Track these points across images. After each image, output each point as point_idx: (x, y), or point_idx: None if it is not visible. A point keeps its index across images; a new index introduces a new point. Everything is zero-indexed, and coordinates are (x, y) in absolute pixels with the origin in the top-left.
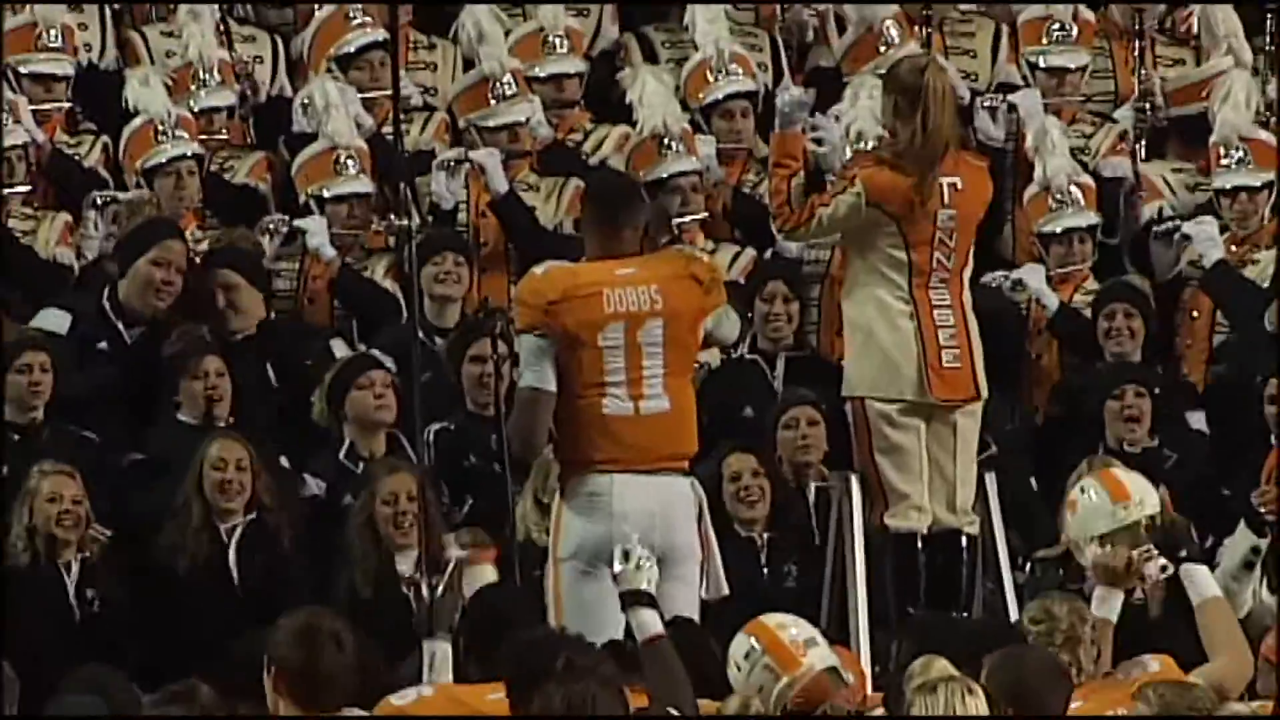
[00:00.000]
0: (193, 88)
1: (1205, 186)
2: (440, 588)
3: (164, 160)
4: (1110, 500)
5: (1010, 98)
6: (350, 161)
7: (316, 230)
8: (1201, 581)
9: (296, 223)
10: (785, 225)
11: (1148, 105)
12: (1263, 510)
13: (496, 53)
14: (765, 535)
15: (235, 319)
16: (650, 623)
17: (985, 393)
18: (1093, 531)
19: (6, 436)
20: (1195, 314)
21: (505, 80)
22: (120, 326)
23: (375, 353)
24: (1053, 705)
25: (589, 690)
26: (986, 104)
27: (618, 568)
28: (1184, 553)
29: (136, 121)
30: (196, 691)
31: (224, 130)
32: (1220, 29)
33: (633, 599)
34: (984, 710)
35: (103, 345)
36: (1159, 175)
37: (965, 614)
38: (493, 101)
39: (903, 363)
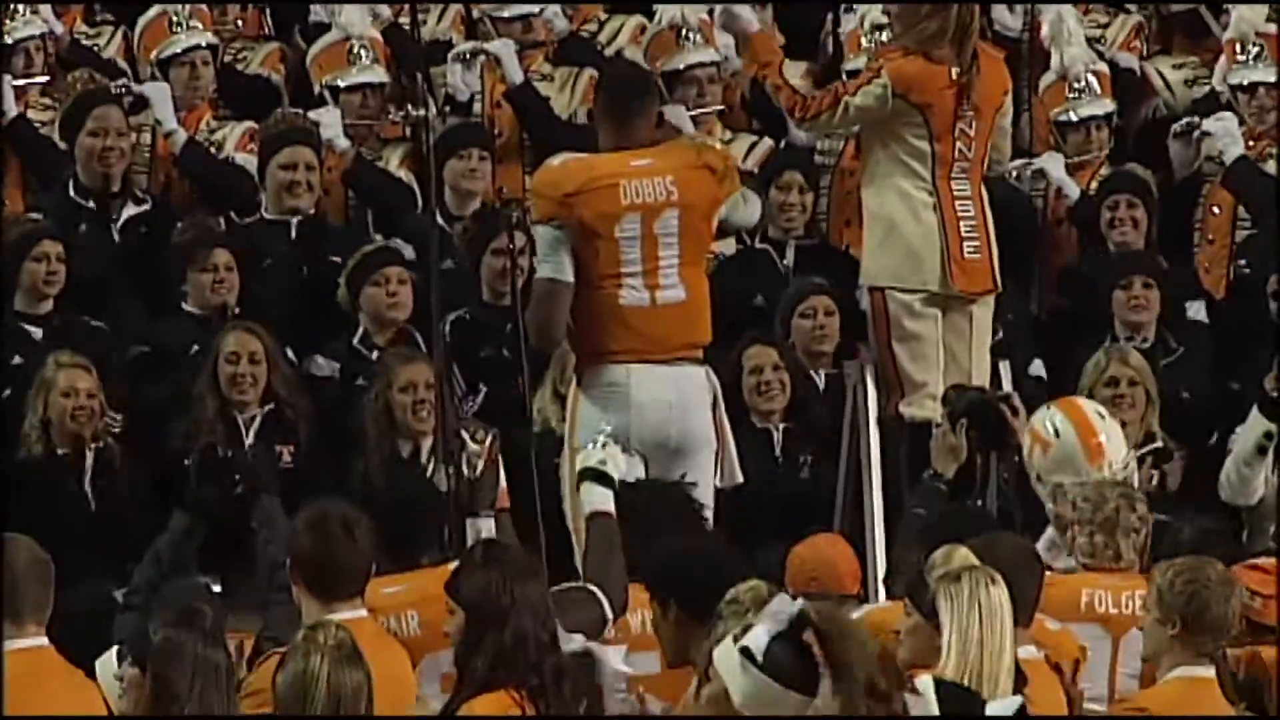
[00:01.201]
0: None
1: (1205, 81)
2: (480, 466)
3: (178, 50)
4: (1085, 459)
5: None
6: (364, 52)
7: (330, 122)
8: None
9: (311, 114)
10: (805, 114)
11: None
12: (1277, 395)
13: None
14: (782, 426)
15: (304, 196)
16: (600, 499)
17: (1001, 284)
18: (1058, 479)
19: (19, 327)
20: (1216, 210)
21: None
22: (91, 205)
23: (396, 243)
24: (1023, 589)
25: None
26: None
27: (587, 449)
28: None
29: (151, 12)
30: (201, 615)
31: (239, 21)
32: None
33: (588, 474)
34: (1006, 600)
35: (83, 229)
36: (1156, 70)
37: (980, 501)
38: None
39: (926, 254)
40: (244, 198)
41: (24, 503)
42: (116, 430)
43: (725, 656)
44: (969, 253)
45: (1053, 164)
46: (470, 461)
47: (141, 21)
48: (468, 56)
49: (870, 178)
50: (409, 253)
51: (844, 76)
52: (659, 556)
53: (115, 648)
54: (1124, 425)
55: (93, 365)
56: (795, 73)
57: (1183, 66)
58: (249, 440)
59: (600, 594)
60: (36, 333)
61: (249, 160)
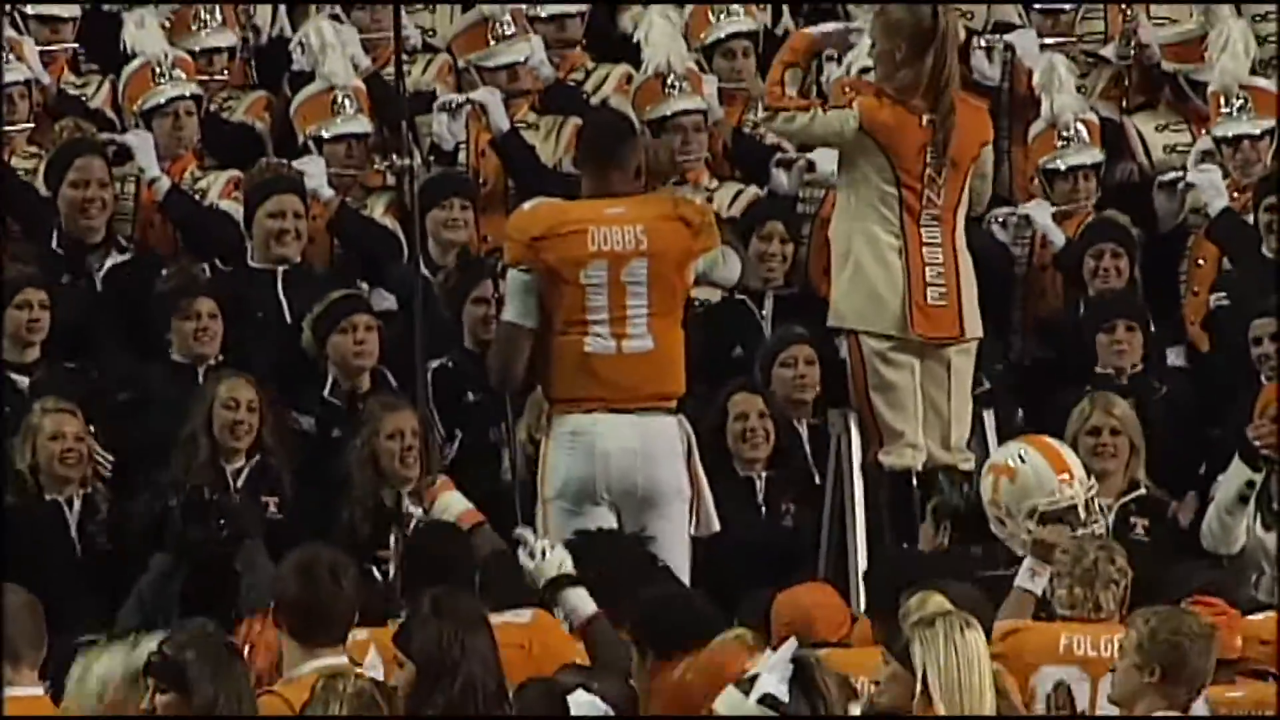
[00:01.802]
0: (193, 28)
1: (1185, 149)
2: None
3: (162, 101)
4: (1054, 474)
5: (1007, 37)
6: (348, 101)
7: (314, 171)
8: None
9: (296, 164)
10: (774, 104)
11: (1131, 46)
12: (1258, 444)
13: None
14: (764, 475)
15: (292, 245)
16: (581, 605)
17: (975, 332)
18: (1031, 504)
19: (5, 375)
20: (1201, 262)
21: (504, 20)
22: (74, 254)
23: (362, 292)
24: None
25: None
26: (983, 43)
27: (525, 563)
28: None
29: (135, 63)
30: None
31: (224, 71)
32: None
33: (554, 586)
34: (983, 644)
35: (65, 279)
36: (1136, 129)
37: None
38: (492, 41)
39: (888, 297)
40: (229, 245)
41: (12, 549)
42: (108, 474)
43: (735, 704)
44: (933, 299)
45: (1039, 212)
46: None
47: (125, 72)
48: (454, 106)
49: (840, 219)
50: (392, 301)
51: None
52: (639, 604)
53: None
54: (1107, 474)
55: (79, 410)
56: None
57: (1165, 128)
58: (236, 489)
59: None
60: (22, 381)
61: (234, 208)
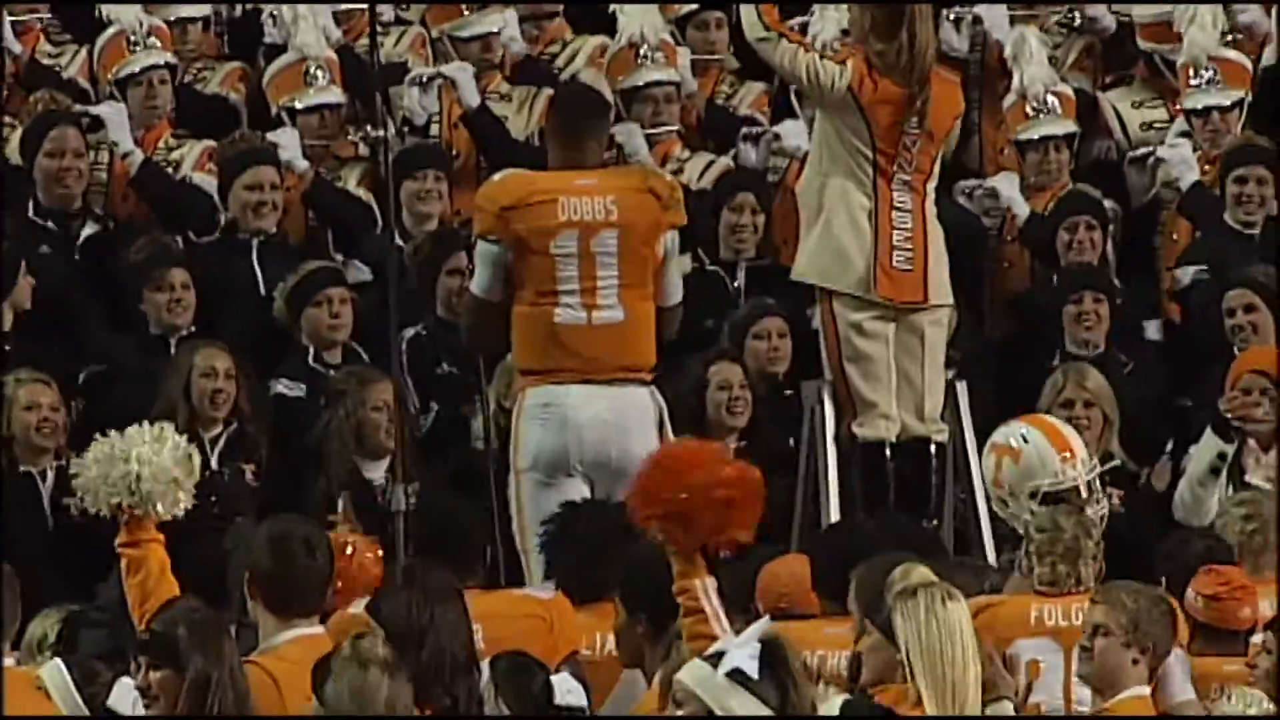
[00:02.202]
0: None
1: (1163, 125)
2: None
3: (136, 70)
4: (1056, 454)
5: (976, 9)
6: (320, 73)
7: (288, 143)
8: None
9: (270, 136)
10: (774, 25)
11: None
12: (1229, 416)
13: None
14: (735, 445)
15: (269, 216)
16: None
17: (943, 299)
18: (1034, 485)
19: None
20: (1175, 236)
21: None
22: (51, 225)
23: (337, 264)
24: None
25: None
26: (952, 16)
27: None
28: None
29: (109, 31)
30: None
31: (200, 42)
32: None
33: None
34: (966, 616)
35: (44, 250)
36: (1113, 106)
37: (935, 522)
38: (465, 12)
39: (855, 257)
40: (202, 218)
41: None
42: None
43: (704, 678)
44: (898, 262)
45: (1005, 184)
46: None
47: (100, 41)
48: (424, 80)
49: (811, 175)
50: (366, 273)
51: None
52: (633, 569)
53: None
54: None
55: (53, 381)
56: (752, 93)
57: (1142, 105)
58: (213, 458)
59: None
60: None
61: (206, 180)
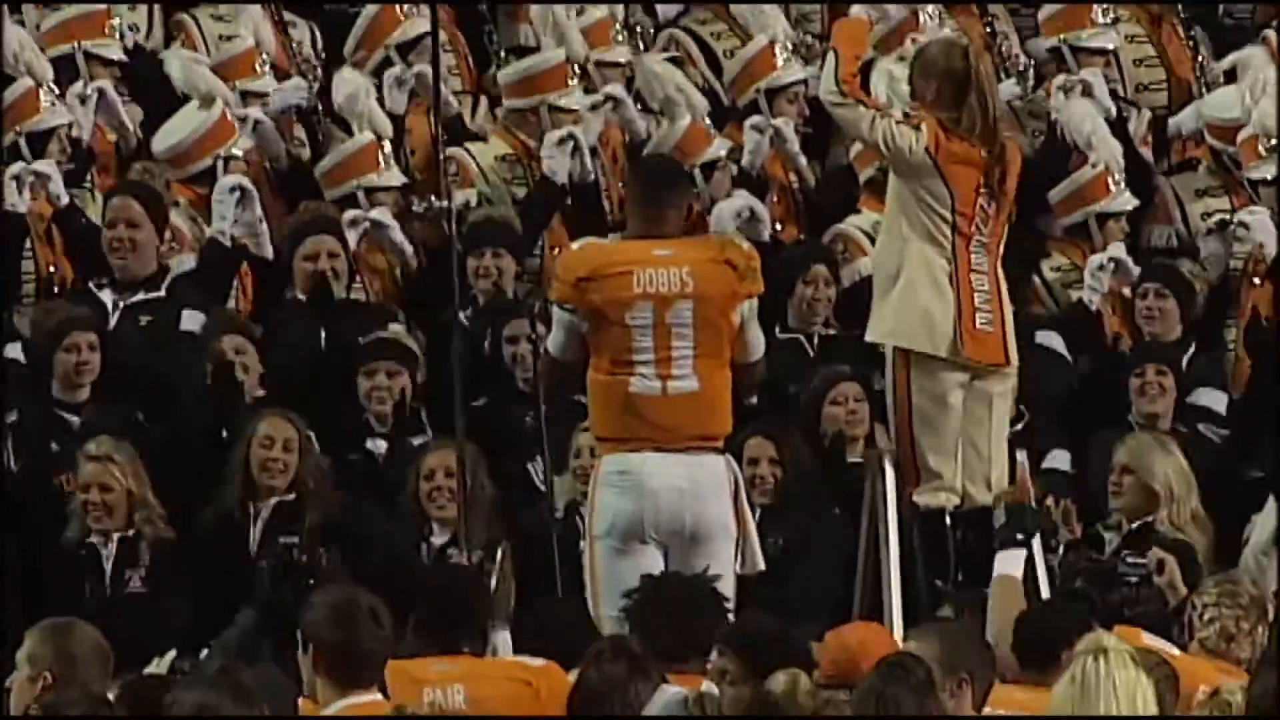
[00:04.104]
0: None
1: (1223, 215)
2: (494, 579)
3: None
4: None
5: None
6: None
7: (52, 172)
8: (1006, 562)
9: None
10: (848, 90)
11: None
12: None
13: None
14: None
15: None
16: None
17: (1016, 360)
18: None
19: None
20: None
21: None
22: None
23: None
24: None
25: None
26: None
27: None
28: (1020, 535)
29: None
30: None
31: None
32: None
33: None
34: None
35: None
36: (1173, 193)
37: None
38: None
39: (940, 319)
40: None
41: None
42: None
43: None
44: (981, 324)
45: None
46: (486, 574)
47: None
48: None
49: (889, 239)
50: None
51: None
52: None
53: None
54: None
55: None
56: None
57: (1205, 194)
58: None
59: None
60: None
61: None
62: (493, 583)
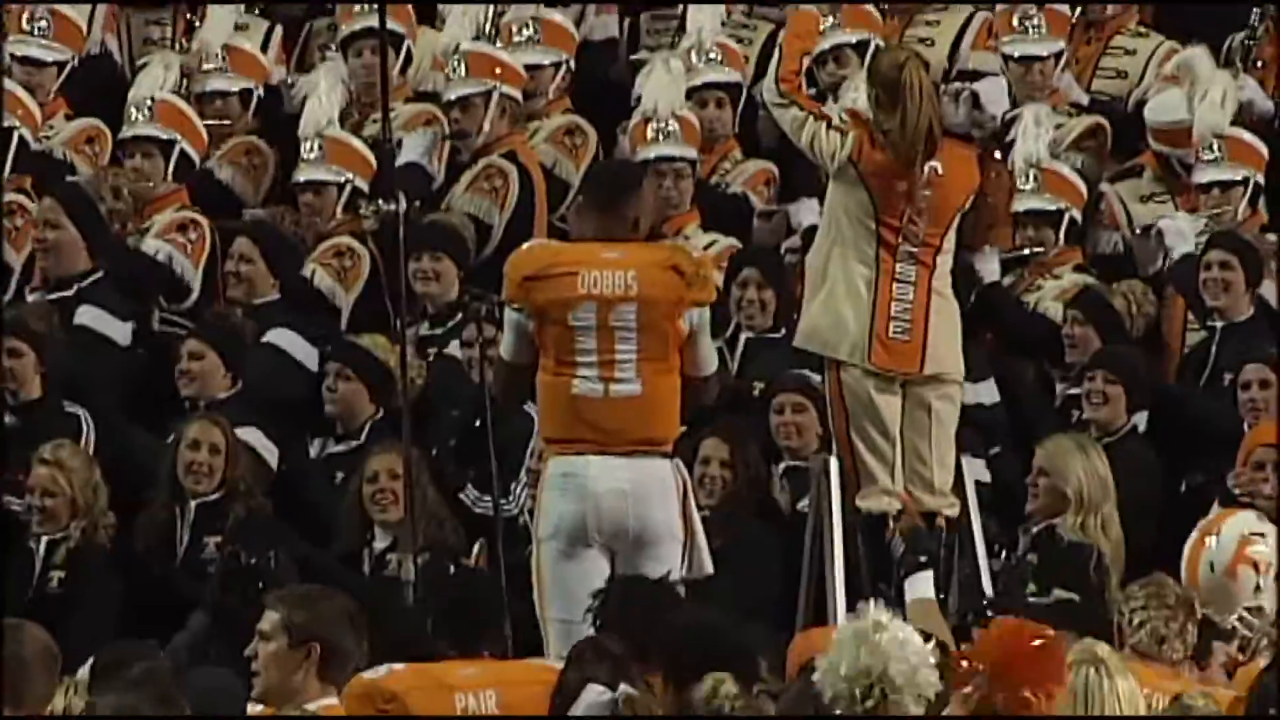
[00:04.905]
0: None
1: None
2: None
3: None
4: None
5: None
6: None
7: None
8: (916, 585)
9: None
10: (788, 87)
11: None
12: (1237, 492)
13: None
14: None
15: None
16: None
17: (944, 370)
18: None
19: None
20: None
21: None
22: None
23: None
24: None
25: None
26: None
27: None
28: (924, 558)
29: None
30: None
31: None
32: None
33: None
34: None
35: None
36: (1120, 200)
37: (942, 596)
38: None
39: (853, 326)
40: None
41: None
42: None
43: None
44: (895, 332)
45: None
46: None
47: None
48: None
49: (820, 242)
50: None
51: None
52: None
53: None
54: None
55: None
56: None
57: (1150, 199)
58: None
59: None
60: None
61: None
62: None
